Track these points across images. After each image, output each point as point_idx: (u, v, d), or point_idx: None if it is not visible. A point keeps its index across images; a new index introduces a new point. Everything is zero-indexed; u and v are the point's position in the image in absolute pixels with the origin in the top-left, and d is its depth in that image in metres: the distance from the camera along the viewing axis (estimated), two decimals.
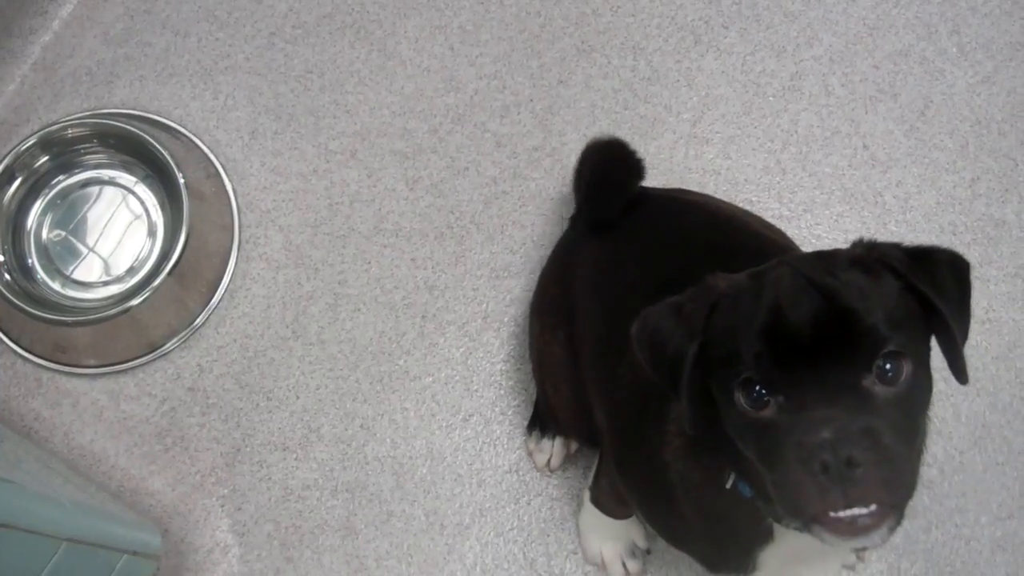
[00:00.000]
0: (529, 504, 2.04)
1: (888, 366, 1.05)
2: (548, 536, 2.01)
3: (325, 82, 2.33)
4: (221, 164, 2.26)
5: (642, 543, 1.95)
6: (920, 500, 1.98)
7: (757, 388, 1.07)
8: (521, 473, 2.06)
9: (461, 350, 2.14)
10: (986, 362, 2.07)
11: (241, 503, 2.07)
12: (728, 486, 1.28)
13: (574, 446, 2.02)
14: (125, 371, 2.14)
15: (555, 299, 1.86)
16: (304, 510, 2.06)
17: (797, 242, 1.73)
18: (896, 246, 1.16)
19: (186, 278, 2.08)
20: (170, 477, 2.09)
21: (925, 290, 1.09)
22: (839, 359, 1.05)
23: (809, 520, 1.06)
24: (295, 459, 2.09)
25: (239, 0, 2.39)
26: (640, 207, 1.79)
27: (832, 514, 1.04)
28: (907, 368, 1.06)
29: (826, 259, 1.13)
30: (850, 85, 2.28)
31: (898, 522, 1.07)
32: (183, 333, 2.15)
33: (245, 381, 2.13)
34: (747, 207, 2.02)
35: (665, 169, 2.19)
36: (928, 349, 1.15)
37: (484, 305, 2.16)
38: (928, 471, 2.00)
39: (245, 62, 2.35)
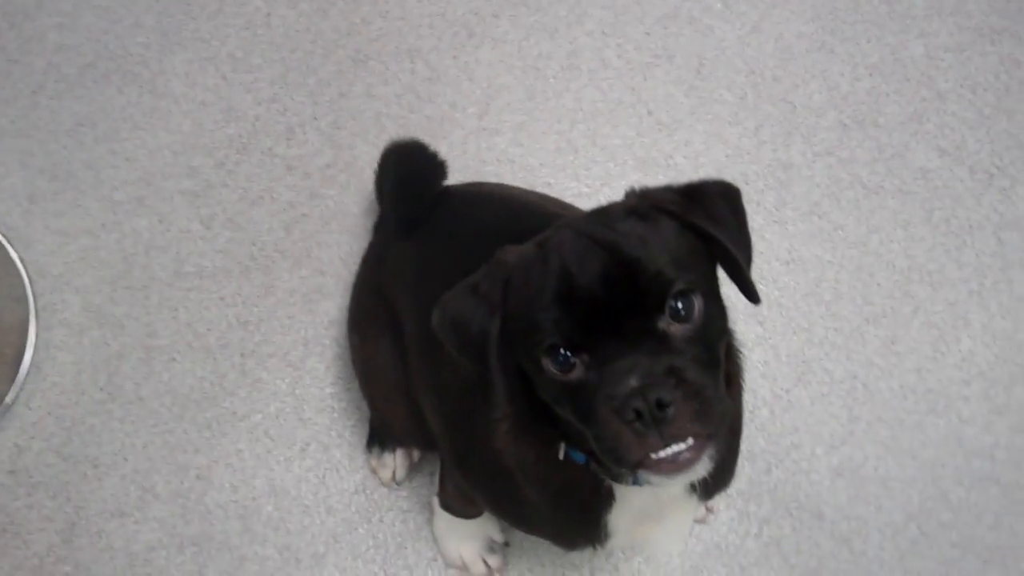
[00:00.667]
0: (382, 521, 2.13)
1: (679, 305, 1.14)
2: (406, 549, 2.11)
3: (98, 132, 2.38)
4: (2, 235, 2.29)
5: (499, 537, 2.06)
6: (756, 443, 2.16)
7: (561, 352, 1.15)
8: (369, 492, 2.14)
9: (287, 381, 2.22)
10: (796, 300, 2.26)
11: None
12: (561, 457, 1.39)
13: (416, 455, 2.12)
14: None
15: (371, 309, 1.95)
16: (153, 572, 2.10)
17: None
18: (668, 188, 1.26)
19: None
20: (6, 566, 2.11)
21: (701, 224, 1.20)
22: (632, 308, 1.13)
23: (635, 467, 1.17)
24: (134, 523, 2.13)
25: None
26: (442, 205, 1.89)
27: (654, 456, 1.14)
28: (698, 303, 1.15)
29: (603, 215, 1.22)
30: (625, 55, 2.46)
31: (716, 449, 1.19)
32: None
33: (67, 453, 2.16)
34: (546, 190, 2.18)
35: (460, 165, 2.29)
36: (716, 280, 1.25)
37: (303, 332, 2.24)
38: (759, 413, 2.18)
39: (10, 126, 2.39)
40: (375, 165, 2.11)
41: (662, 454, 1.13)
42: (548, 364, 1.17)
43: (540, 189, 2.15)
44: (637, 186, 1.28)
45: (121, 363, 2.21)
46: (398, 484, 2.13)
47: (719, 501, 2.10)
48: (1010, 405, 2.18)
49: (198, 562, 2.10)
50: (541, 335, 1.15)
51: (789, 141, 2.38)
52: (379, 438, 2.11)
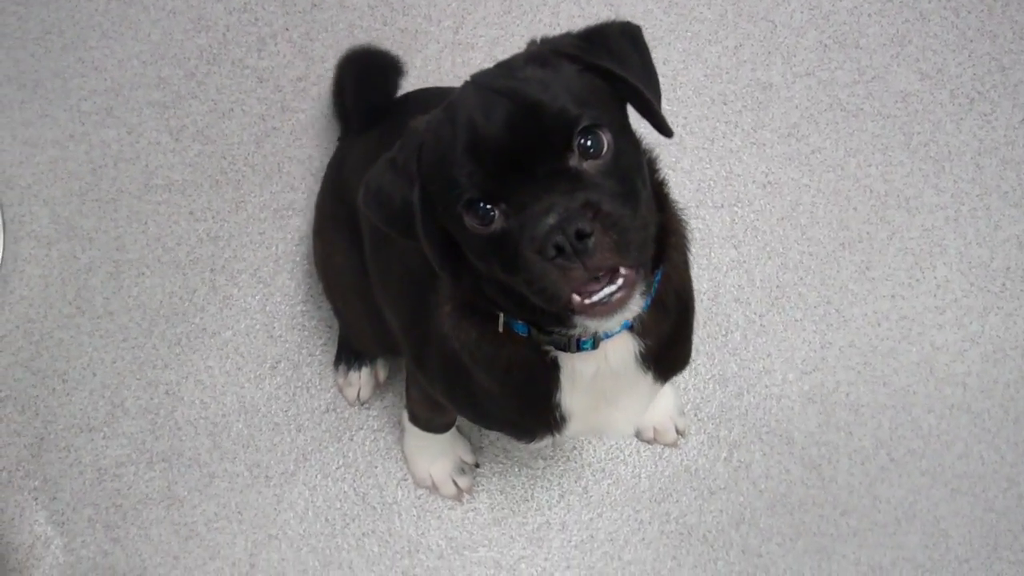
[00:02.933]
0: (352, 440, 2.02)
1: (587, 142, 1.10)
2: (376, 468, 2.01)
3: (66, 40, 2.22)
4: None
5: (469, 458, 1.97)
6: (728, 367, 2.05)
7: (480, 205, 1.11)
8: (339, 411, 2.04)
9: (257, 298, 2.10)
10: (772, 224, 2.13)
11: (55, 492, 2.00)
12: (501, 330, 1.31)
13: (383, 375, 2.02)
14: None
15: (332, 213, 1.86)
16: (122, 488, 2.00)
17: None
18: (567, 34, 1.21)
19: None
20: None
21: (604, 64, 1.15)
22: (541, 150, 1.09)
23: (567, 309, 1.11)
24: (103, 438, 2.02)
25: None
26: (398, 107, 1.82)
27: (587, 301, 1.09)
28: (606, 138, 1.11)
29: (505, 66, 1.18)
30: None
31: (647, 286, 1.18)
32: None
33: (36, 367, 2.05)
34: None
35: (435, 79, 2.17)
36: (625, 117, 1.20)
37: (273, 248, 2.12)
38: (732, 337, 2.07)
39: None
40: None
41: (594, 298, 1.09)
42: (469, 220, 1.12)
43: None
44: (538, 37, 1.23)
45: (90, 277, 2.09)
46: (363, 404, 2.03)
47: (691, 426, 2.00)
48: (984, 334, 2.07)
49: (167, 478, 2.00)
50: (458, 191, 1.11)
51: (770, 61, 2.23)
52: (346, 356, 2.01)
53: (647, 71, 1.21)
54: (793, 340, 2.05)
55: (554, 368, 1.34)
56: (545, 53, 1.16)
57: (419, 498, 1.97)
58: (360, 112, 1.86)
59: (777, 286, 2.08)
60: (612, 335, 1.26)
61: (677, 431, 1.97)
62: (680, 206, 1.34)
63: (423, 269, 1.35)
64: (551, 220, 1.05)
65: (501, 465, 1.97)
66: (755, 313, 2.06)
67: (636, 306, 1.14)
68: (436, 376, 1.55)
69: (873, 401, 2.02)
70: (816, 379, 2.03)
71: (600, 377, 1.33)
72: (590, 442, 1.97)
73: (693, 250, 1.36)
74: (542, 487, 1.97)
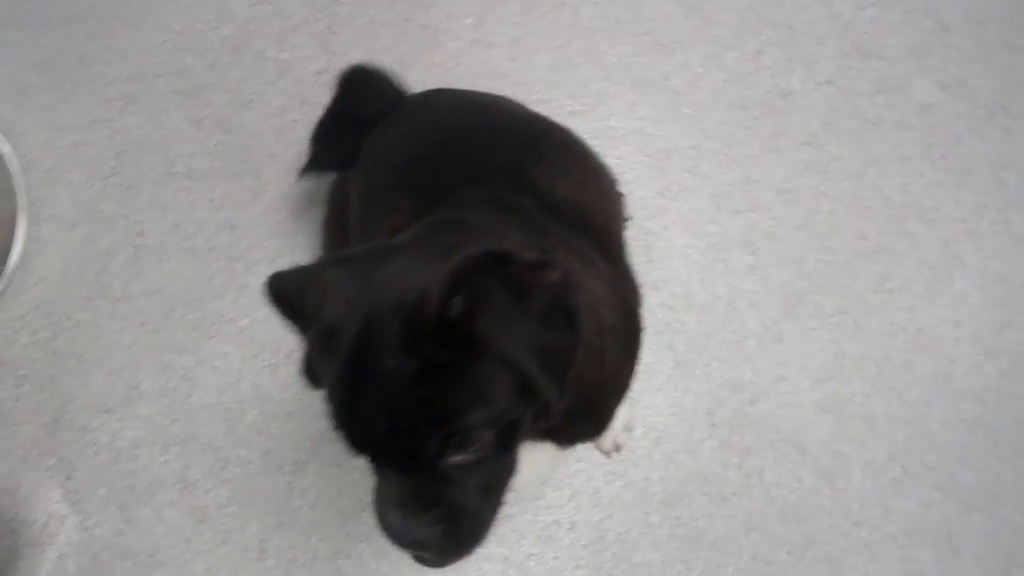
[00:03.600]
0: None
1: (466, 442, 1.04)
2: None
3: (91, 27, 2.20)
4: None
5: None
6: (743, 374, 2.01)
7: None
8: None
9: None
10: (789, 232, 2.09)
11: (70, 471, 1.98)
12: None
13: None
14: None
15: (337, 231, 1.81)
16: (137, 469, 1.98)
17: (595, 135, 1.67)
18: (495, 284, 1.01)
19: None
20: None
21: (509, 356, 1.01)
22: (404, 446, 1.03)
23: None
24: (119, 419, 2.00)
25: None
26: (424, 103, 1.73)
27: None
28: (486, 435, 1.05)
29: (416, 336, 1.00)
30: None
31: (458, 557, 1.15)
32: None
33: (54, 347, 2.03)
34: (539, 107, 2.01)
35: (454, 77, 2.13)
36: (521, 407, 1.06)
37: (292, 238, 2.09)
38: (747, 344, 2.02)
39: (1, 18, 2.21)
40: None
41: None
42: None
43: (533, 106, 1.95)
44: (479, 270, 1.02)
45: (110, 260, 2.07)
46: None
47: (630, 441, 1.96)
48: (1001, 348, 2.02)
49: (182, 461, 1.97)
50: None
51: (789, 68, 2.18)
52: None
53: (539, 336, 1.03)
54: (808, 348, 2.01)
55: None
56: (458, 332, 1.00)
57: None
58: (344, 144, 1.74)
59: (793, 294, 2.04)
60: None
61: (615, 444, 1.93)
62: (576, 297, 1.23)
63: None
64: (393, 520, 1.06)
65: None
66: (771, 320, 2.02)
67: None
68: None
69: (887, 412, 1.97)
70: (830, 388, 1.99)
71: None
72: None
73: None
74: (553, 486, 1.94)
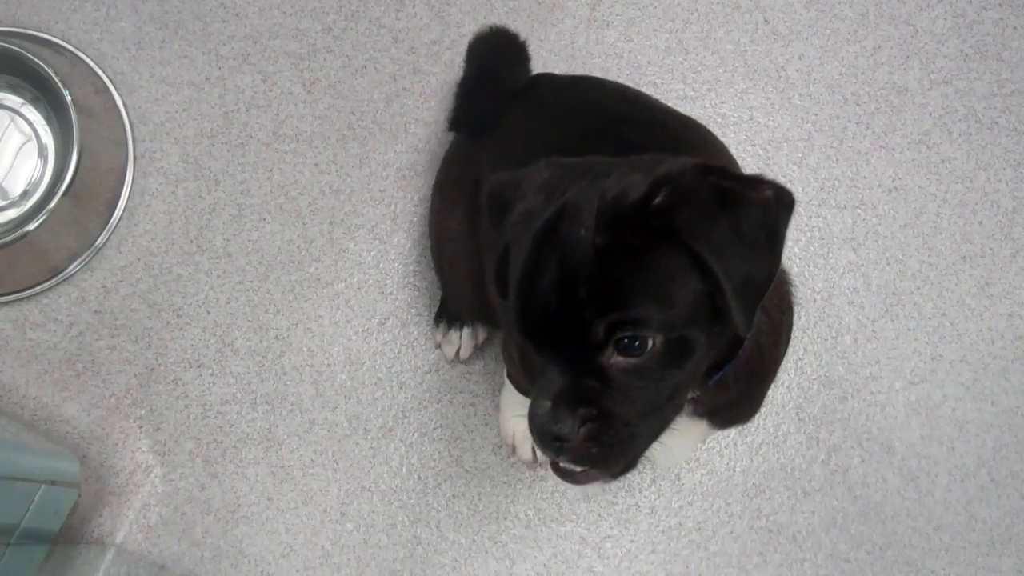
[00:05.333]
0: (451, 402, 2.07)
1: (626, 340, 1.06)
2: (473, 432, 2.05)
3: None
4: (109, 78, 2.22)
5: None
6: (835, 370, 2.05)
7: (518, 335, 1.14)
8: (441, 373, 2.08)
9: (372, 253, 2.14)
10: (894, 231, 2.12)
11: (159, 423, 2.07)
12: None
13: (482, 335, 2.05)
14: (28, 298, 2.13)
15: (458, 177, 1.88)
16: (224, 425, 2.07)
17: (704, 121, 1.73)
18: (704, 187, 1.06)
19: (82, 198, 2.06)
20: (84, 402, 2.09)
21: (703, 255, 1.03)
22: (576, 333, 1.06)
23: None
24: (211, 375, 2.09)
25: None
26: (535, 88, 1.81)
27: (558, 463, 1.14)
28: (655, 341, 1.06)
29: (613, 216, 1.06)
30: None
31: (621, 473, 1.18)
32: (85, 255, 2.14)
33: (153, 300, 2.12)
34: (651, 89, 2.07)
35: (567, 55, 2.19)
36: (703, 314, 1.09)
37: (392, 206, 2.16)
38: (842, 340, 2.07)
39: None
40: None
41: (560, 464, 1.15)
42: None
43: (646, 88, 2.02)
44: (680, 170, 1.08)
45: (213, 217, 2.15)
46: (462, 362, 2.06)
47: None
48: None
49: (269, 420, 2.06)
50: (507, 312, 1.13)
51: (907, 65, 2.21)
52: (448, 315, 2.04)
53: (755, 256, 1.06)
54: (904, 349, 2.05)
55: None
56: (659, 219, 1.04)
57: (511, 467, 2.01)
58: (489, 107, 1.81)
59: (893, 293, 2.08)
60: None
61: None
62: (788, 278, 1.34)
63: None
64: (545, 407, 1.07)
65: None
66: (868, 318, 2.07)
67: (597, 486, 1.19)
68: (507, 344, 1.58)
69: (979, 419, 2.01)
70: (923, 391, 2.03)
71: None
72: None
73: (800, 302, 1.37)
74: (635, 469, 2.00)
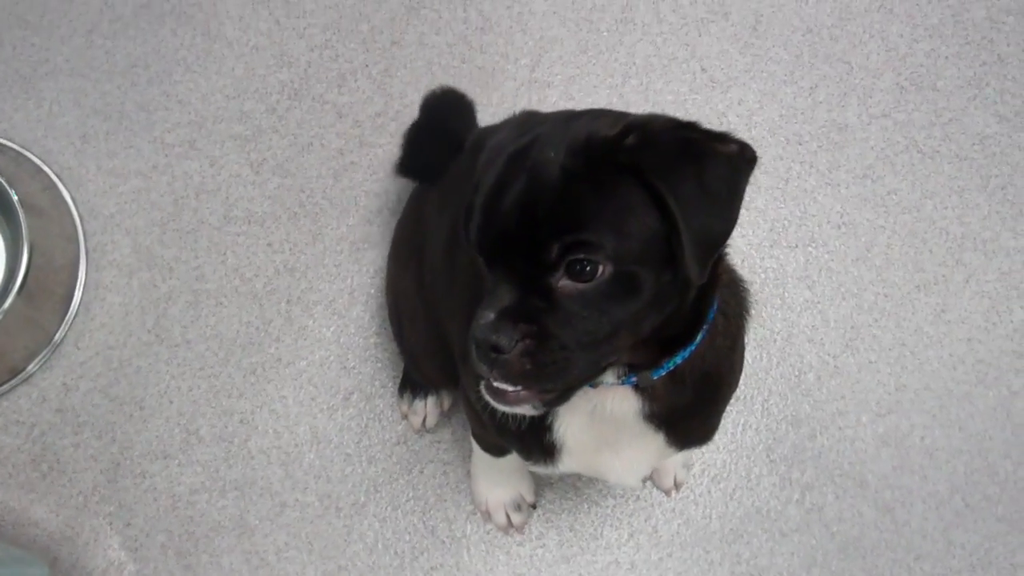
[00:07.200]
0: (422, 473, 2.08)
1: (577, 265, 1.11)
2: (445, 501, 2.07)
3: (152, 74, 2.33)
4: (55, 174, 2.25)
5: (529, 497, 2.01)
6: (802, 408, 2.09)
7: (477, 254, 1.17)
8: (410, 444, 2.10)
9: (332, 329, 2.17)
10: (847, 265, 2.18)
11: (129, 518, 2.08)
12: None
13: (447, 402, 2.08)
14: None
15: (409, 236, 1.93)
16: (195, 515, 2.08)
17: None
18: (669, 135, 1.13)
19: (36, 297, 2.08)
20: (51, 503, 2.09)
21: (664, 194, 1.09)
22: (531, 249, 1.10)
23: (479, 380, 1.19)
24: (178, 465, 2.10)
25: (50, 1, 2.38)
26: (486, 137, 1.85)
27: (492, 382, 1.16)
28: (605, 269, 1.10)
29: (584, 145, 1.13)
30: (680, 10, 2.36)
31: (552, 403, 1.20)
32: (43, 353, 2.16)
33: (114, 393, 2.14)
34: None
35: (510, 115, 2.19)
36: (656, 255, 1.12)
37: (349, 280, 2.19)
38: (805, 378, 2.11)
39: (65, 64, 2.34)
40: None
41: (495, 384, 1.16)
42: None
43: None
44: (648, 118, 1.16)
45: (169, 306, 2.17)
46: (429, 431, 2.09)
47: (689, 479, 2.04)
48: None
49: (239, 506, 2.07)
50: (468, 230, 1.17)
51: (845, 102, 2.28)
52: (411, 384, 2.07)
53: (713, 207, 1.12)
54: (867, 382, 2.09)
55: None
56: (624, 160, 1.10)
57: (487, 533, 2.02)
58: (436, 158, 1.88)
59: (852, 327, 2.12)
60: (608, 383, 1.28)
61: (675, 481, 2.00)
62: (745, 285, 1.39)
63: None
64: (483, 320, 1.11)
65: (570, 502, 2.03)
66: (829, 354, 2.11)
67: (530, 411, 1.20)
68: (471, 382, 1.60)
69: (948, 445, 2.05)
70: (891, 422, 2.07)
71: (598, 419, 1.37)
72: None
73: (756, 310, 1.42)
74: (611, 525, 2.02)
